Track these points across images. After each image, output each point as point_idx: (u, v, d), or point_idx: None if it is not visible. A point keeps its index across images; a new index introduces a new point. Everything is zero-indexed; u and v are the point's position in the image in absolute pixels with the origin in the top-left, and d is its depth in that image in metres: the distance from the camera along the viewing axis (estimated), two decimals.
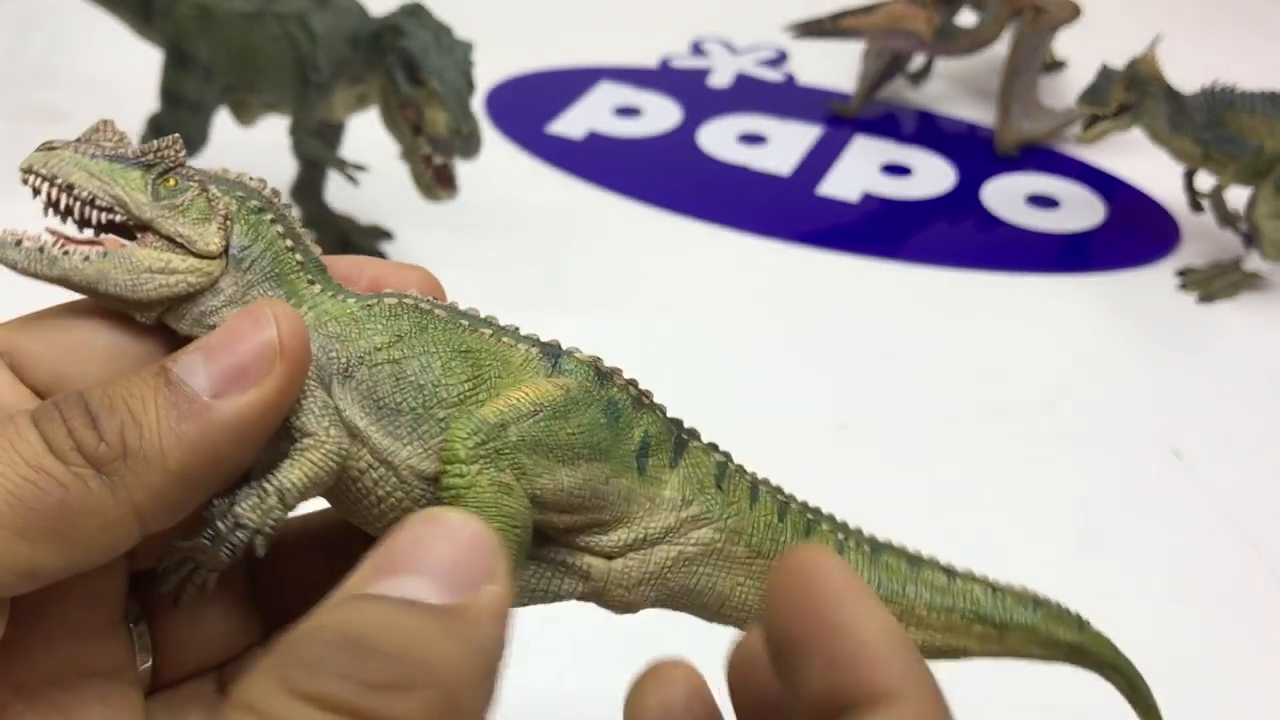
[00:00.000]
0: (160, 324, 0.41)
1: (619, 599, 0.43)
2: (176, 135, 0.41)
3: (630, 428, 0.42)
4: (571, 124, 1.34)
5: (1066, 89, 1.43)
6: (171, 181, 0.41)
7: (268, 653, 0.28)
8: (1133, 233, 1.22)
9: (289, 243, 0.42)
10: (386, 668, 0.27)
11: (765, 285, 1.11)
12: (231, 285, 0.41)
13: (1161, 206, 1.25)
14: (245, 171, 0.43)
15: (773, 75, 1.49)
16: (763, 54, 1.52)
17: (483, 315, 0.42)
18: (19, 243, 0.40)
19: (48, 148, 0.41)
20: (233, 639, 0.45)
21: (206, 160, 1.06)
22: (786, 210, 1.22)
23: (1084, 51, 1.45)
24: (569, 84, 1.42)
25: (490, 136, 1.20)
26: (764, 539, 0.44)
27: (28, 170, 0.40)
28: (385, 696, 0.26)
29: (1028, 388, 1.00)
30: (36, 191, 0.40)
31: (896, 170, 1.30)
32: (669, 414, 0.44)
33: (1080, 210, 1.25)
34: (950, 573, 0.46)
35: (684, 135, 1.34)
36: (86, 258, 0.39)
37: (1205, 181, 1.15)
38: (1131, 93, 1.11)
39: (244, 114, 1.07)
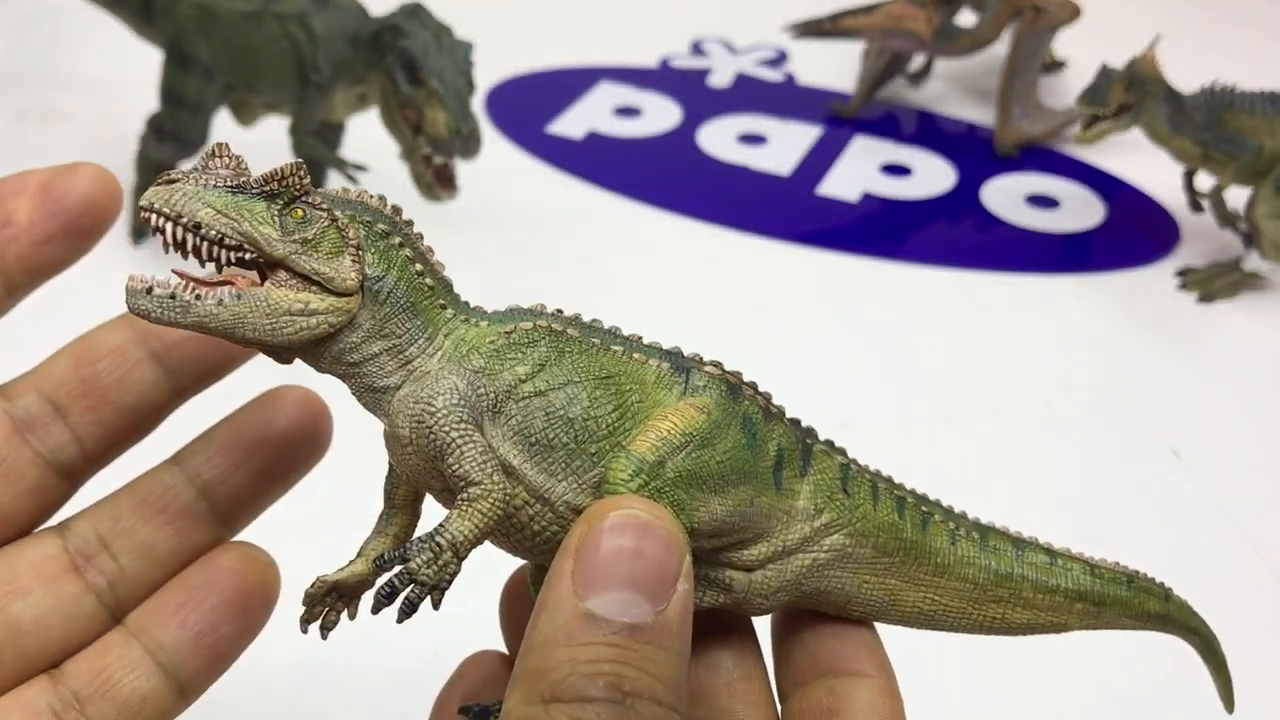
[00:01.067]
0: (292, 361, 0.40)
1: (758, 606, 0.44)
2: (300, 161, 0.39)
3: (765, 442, 0.43)
4: (571, 124, 1.34)
5: (1066, 89, 1.43)
6: (299, 212, 0.39)
7: (519, 675, 0.34)
8: (1133, 233, 1.22)
9: (418, 267, 0.41)
10: (652, 714, 0.33)
11: (765, 285, 1.11)
12: (369, 319, 0.40)
13: (1161, 206, 1.25)
14: (363, 190, 0.42)
15: (773, 75, 1.49)
16: (763, 54, 1.53)
17: (605, 325, 0.42)
18: (150, 290, 0.38)
19: (167, 181, 0.38)
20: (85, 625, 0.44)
21: None
22: (786, 210, 1.22)
23: (1084, 51, 1.45)
24: (569, 84, 1.42)
25: (490, 136, 1.20)
26: (888, 539, 0.45)
27: (149, 208, 0.37)
28: None
29: (1028, 387, 1.00)
30: (159, 231, 0.37)
31: (896, 170, 1.30)
32: (787, 415, 0.45)
33: (1080, 210, 1.25)
34: (1051, 553, 0.48)
35: (684, 135, 1.34)
36: (220, 301, 0.38)
37: (1205, 181, 1.15)
38: (1131, 93, 1.11)
39: (244, 114, 1.07)
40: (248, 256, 0.38)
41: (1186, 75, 1.14)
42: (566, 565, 0.35)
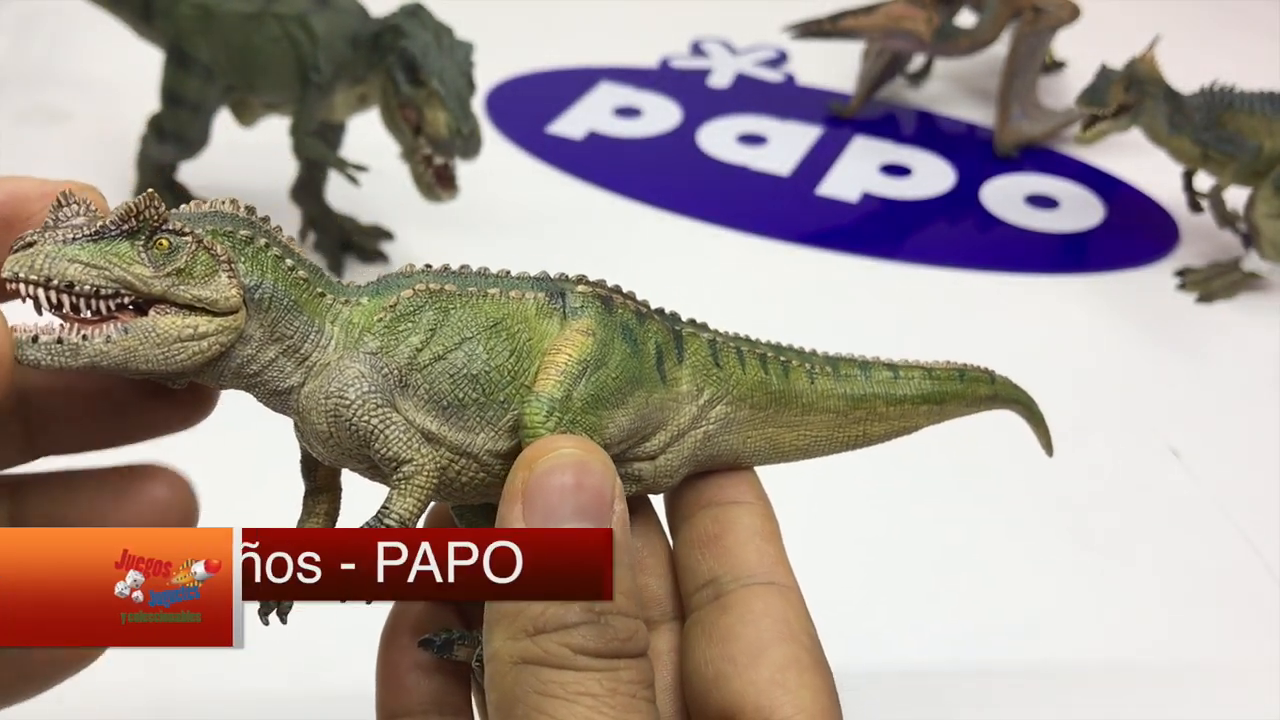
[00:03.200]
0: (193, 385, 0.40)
1: (664, 485, 0.47)
2: (151, 191, 0.38)
3: (645, 344, 0.45)
4: (571, 124, 1.34)
5: (1066, 89, 1.43)
6: (165, 243, 0.38)
7: (497, 617, 0.37)
8: (1132, 233, 1.22)
9: (289, 262, 0.41)
10: (625, 625, 0.37)
11: (765, 285, 1.12)
12: (258, 328, 0.40)
13: (1161, 206, 1.26)
14: (215, 197, 0.41)
15: (773, 75, 1.49)
16: (763, 54, 1.53)
17: (473, 268, 0.44)
18: (35, 339, 0.37)
19: (24, 245, 0.37)
20: None
21: (208, 160, 1.06)
22: (786, 210, 1.22)
23: (1084, 51, 1.45)
24: (569, 84, 1.42)
25: (490, 136, 1.20)
26: (760, 396, 0.48)
27: (14, 279, 0.37)
28: (631, 641, 0.37)
29: (1027, 387, 1.00)
30: (33, 299, 0.37)
31: (896, 170, 1.30)
32: (652, 307, 0.47)
33: (1079, 210, 1.25)
34: (893, 367, 0.53)
35: (684, 135, 1.34)
36: (109, 339, 0.37)
37: (1204, 181, 1.15)
38: (1131, 93, 1.11)
39: (244, 114, 1.07)
40: (127, 301, 0.38)
41: (1186, 75, 1.14)
42: (515, 510, 0.37)
